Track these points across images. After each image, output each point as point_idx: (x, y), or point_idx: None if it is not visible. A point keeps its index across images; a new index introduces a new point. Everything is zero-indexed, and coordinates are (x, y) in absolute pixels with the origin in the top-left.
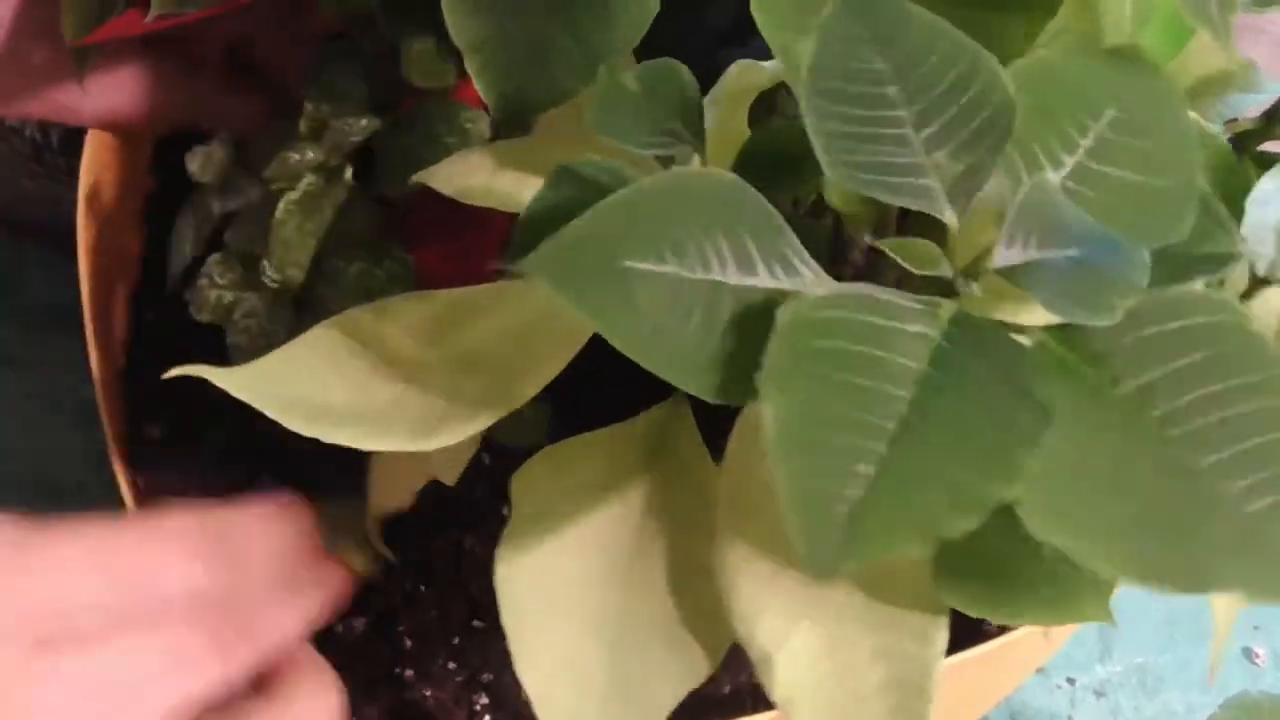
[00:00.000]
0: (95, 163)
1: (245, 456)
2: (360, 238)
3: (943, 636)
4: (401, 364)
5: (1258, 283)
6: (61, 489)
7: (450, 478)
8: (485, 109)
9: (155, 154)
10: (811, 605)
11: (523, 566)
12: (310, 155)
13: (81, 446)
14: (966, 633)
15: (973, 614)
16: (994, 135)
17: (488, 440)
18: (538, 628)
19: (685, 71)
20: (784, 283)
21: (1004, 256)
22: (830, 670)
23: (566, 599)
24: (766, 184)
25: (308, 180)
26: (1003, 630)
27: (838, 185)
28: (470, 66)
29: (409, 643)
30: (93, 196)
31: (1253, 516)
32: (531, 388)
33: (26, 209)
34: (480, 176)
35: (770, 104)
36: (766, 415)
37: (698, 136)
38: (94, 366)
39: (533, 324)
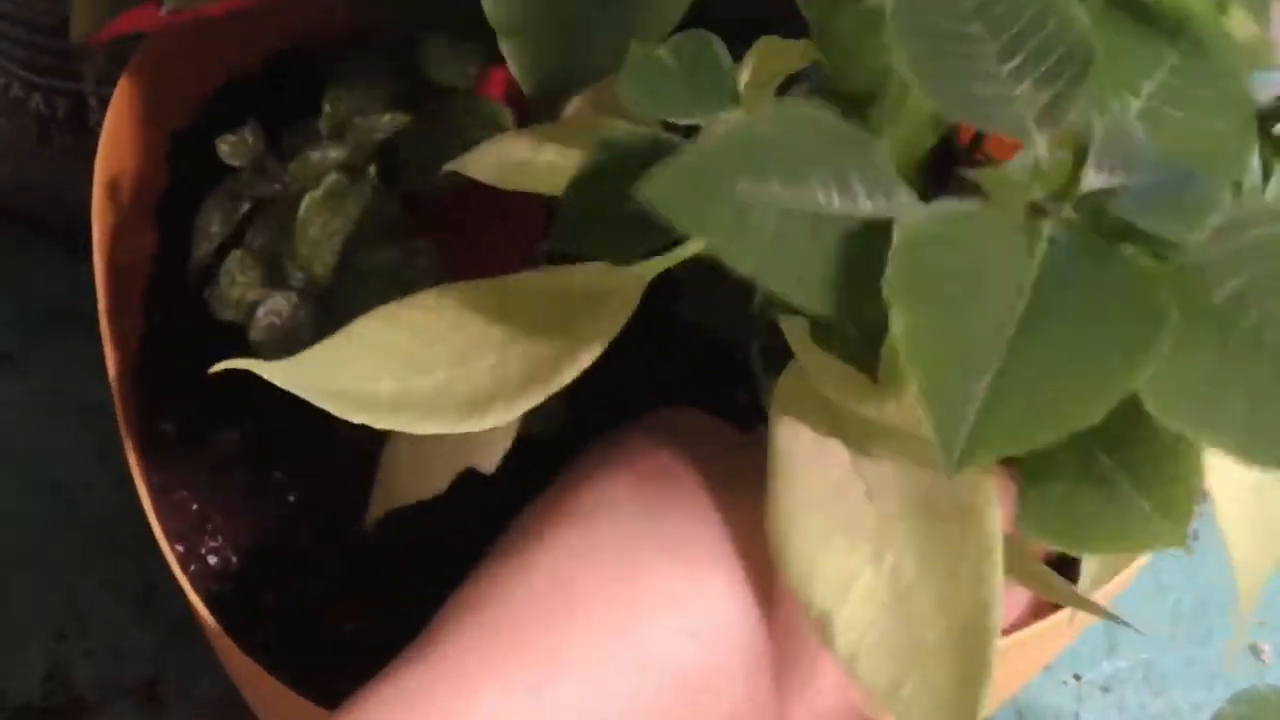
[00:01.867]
0: (111, 157)
1: (258, 456)
2: (386, 235)
3: (998, 574)
4: (446, 351)
5: None
6: (67, 488)
7: (489, 464)
8: (508, 102)
9: (172, 148)
10: (868, 560)
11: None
12: (333, 154)
13: (87, 445)
14: None
15: (1050, 544)
16: (1075, 66)
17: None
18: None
19: (718, 42)
20: (883, 209)
21: (1092, 181)
22: (894, 624)
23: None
24: None
25: (331, 179)
26: (1010, 631)
27: (931, 117)
28: (505, 48)
29: None
30: (109, 191)
31: None
32: (576, 367)
33: (31, 198)
34: (516, 157)
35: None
36: (895, 327)
37: (735, 104)
38: (109, 364)
39: (575, 304)
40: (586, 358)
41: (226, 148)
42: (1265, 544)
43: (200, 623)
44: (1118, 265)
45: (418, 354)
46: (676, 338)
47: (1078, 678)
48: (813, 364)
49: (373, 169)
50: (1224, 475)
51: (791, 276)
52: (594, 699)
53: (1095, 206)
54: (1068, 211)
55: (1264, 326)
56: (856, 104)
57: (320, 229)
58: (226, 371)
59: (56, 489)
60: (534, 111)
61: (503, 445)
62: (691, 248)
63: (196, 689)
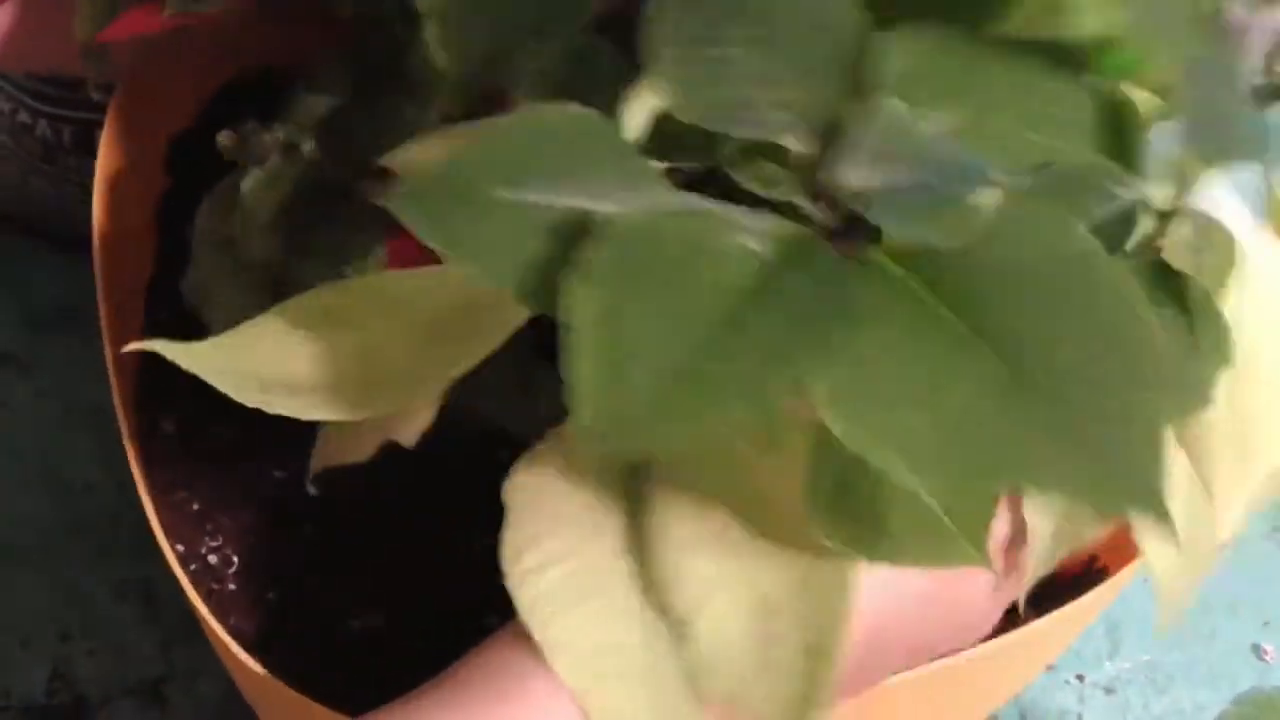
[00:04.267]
0: (110, 159)
1: (258, 455)
2: (333, 220)
3: (847, 599)
4: (360, 338)
5: (1164, 217)
6: (72, 488)
7: (408, 439)
8: None
9: (170, 150)
10: (730, 574)
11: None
12: (276, 133)
13: (91, 446)
14: None
15: (852, 551)
16: (838, 64)
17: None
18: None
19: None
20: (629, 206)
21: (848, 178)
22: (758, 638)
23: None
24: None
25: (274, 159)
26: (1011, 627)
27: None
28: (429, 34)
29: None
30: (108, 193)
31: (1084, 436)
32: (473, 358)
33: (36, 210)
34: (435, 155)
35: None
36: (567, 305)
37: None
38: (109, 363)
39: (480, 296)
40: (483, 350)
41: (227, 141)
42: (1187, 567)
43: (201, 622)
44: (835, 275)
45: (331, 341)
46: None
47: (1081, 678)
48: None
49: (310, 145)
50: None
51: (532, 282)
52: None
53: (848, 208)
54: (818, 211)
55: (1002, 346)
56: None
57: (257, 204)
58: None
59: (61, 489)
60: (457, 95)
61: (422, 422)
62: None
63: (200, 688)
